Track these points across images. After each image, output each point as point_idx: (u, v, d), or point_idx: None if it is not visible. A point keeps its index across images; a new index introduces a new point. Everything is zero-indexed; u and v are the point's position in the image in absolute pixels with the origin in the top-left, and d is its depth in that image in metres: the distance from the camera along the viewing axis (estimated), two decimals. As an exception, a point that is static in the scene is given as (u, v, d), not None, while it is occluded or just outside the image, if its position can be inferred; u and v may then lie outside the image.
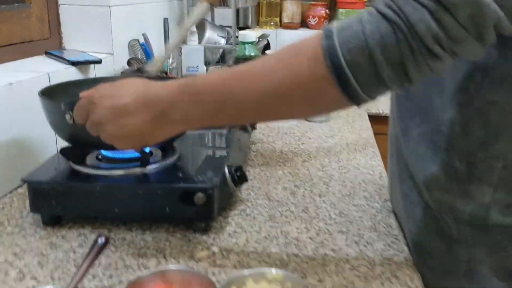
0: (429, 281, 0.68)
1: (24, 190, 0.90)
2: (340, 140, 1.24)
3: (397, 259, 0.70)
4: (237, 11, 2.17)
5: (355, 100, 0.52)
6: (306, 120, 1.41)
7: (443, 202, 0.66)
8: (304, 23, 2.29)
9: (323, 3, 2.26)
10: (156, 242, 0.74)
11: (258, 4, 2.28)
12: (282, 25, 2.28)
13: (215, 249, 0.72)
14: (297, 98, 0.54)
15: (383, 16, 0.47)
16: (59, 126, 0.77)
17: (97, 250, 0.59)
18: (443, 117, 0.64)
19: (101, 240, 0.60)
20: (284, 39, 2.22)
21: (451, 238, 0.66)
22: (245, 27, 2.18)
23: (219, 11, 2.08)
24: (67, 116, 0.70)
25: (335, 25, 0.51)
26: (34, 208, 0.77)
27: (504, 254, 0.64)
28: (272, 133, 1.29)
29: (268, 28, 2.22)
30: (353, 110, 1.55)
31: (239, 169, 0.83)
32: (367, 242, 0.75)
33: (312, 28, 2.27)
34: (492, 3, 0.45)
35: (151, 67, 0.99)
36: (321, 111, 0.69)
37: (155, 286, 0.57)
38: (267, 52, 1.73)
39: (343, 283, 0.64)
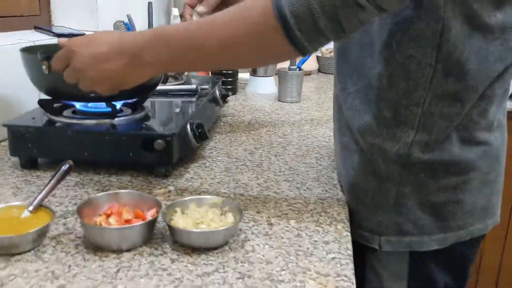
0: (362, 216, 0.77)
1: (6, 143, 0.99)
2: (306, 116, 1.34)
3: (330, 200, 0.80)
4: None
5: (300, 48, 0.60)
6: (279, 100, 1.51)
7: (374, 146, 0.75)
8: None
9: None
10: (120, 182, 0.83)
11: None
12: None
13: (171, 188, 0.82)
14: (252, 46, 0.62)
15: None
16: (37, 79, 0.87)
17: (61, 174, 0.68)
18: (373, 73, 0.73)
19: (65, 166, 0.69)
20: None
21: (382, 177, 0.75)
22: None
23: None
24: (43, 67, 0.80)
25: None
26: (13, 151, 0.86)
27: (426, 190, 0.74)
28: (244, 109, 1.39)
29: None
30: (324, 94, 1.64)
31: (201, 126, 0.92)
32: (307, 188, 0.84)
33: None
34: None
35: None
36: (273, 60, 0.76)
37: (110, 205, 0.66)
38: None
39: (278, 214, 0.74)
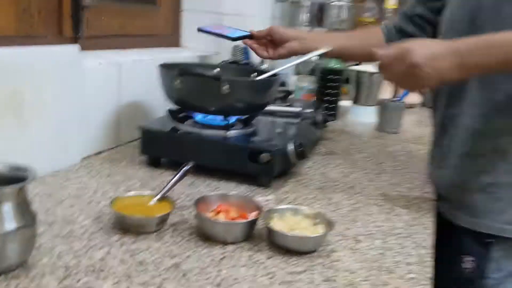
0: (500, 211, 0.84)
1: (136, 143, 1.17)
2: (403, 148, 1.38)
3: (418, 227, 0.84)
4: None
5: None
6: (378, 130, 1.56)
7: None
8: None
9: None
10: (227, 187, 0.95)
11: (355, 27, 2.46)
12: (375, 50, 2.43)
13: (270, 197, 0.92)
14: None
15: None
16: (169, 91, 1.02)
17: (184, 172, 0.81)
18: None
19: (187, 166, 0.82)
20: (375, 62, 2.37)
21: None
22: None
23: (314, 31, 2.29)
24: (177, 82, 0.95)
25: None
26: (144, 150, 1.02)
27: None
28: (343, 135, 1.46)
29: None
30: (425, 128, 1.66)
31: (301, 145, 1.02)
32: (396, 214, 0.90)
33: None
34: None
35: None
36: None
37: (219, 204, 0.78)
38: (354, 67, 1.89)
39: (365, 233, 0.80)
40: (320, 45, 1.16)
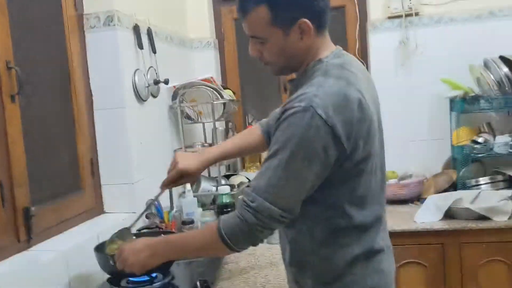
0: None
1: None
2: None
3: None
4: (226, 163, 2.92)
5: (234, 251, 1.18)
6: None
7: None
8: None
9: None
10: (159, 326, 1.37)
11: (244, 153, 3.04)
12: (262, 168, 3.01)
13: (189, 326, 1.35)
14: (208, 251, 1.24)
15: (238, 216, 1.14)
16: (105, 266, 1.45)
17: None
18: None
19: None
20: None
21: None
22: (234, 173, 2.89)
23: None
24: (111, 261, 1.39)
25: (222, 218, 1.18)
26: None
27: None
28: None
29: (251, 171, 2.95)
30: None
31: (206, 281, 1.48)
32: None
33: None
34: (272, 207, 1.12)
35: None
36: (218, 256, 1.36)
37: None
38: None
39: None
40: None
